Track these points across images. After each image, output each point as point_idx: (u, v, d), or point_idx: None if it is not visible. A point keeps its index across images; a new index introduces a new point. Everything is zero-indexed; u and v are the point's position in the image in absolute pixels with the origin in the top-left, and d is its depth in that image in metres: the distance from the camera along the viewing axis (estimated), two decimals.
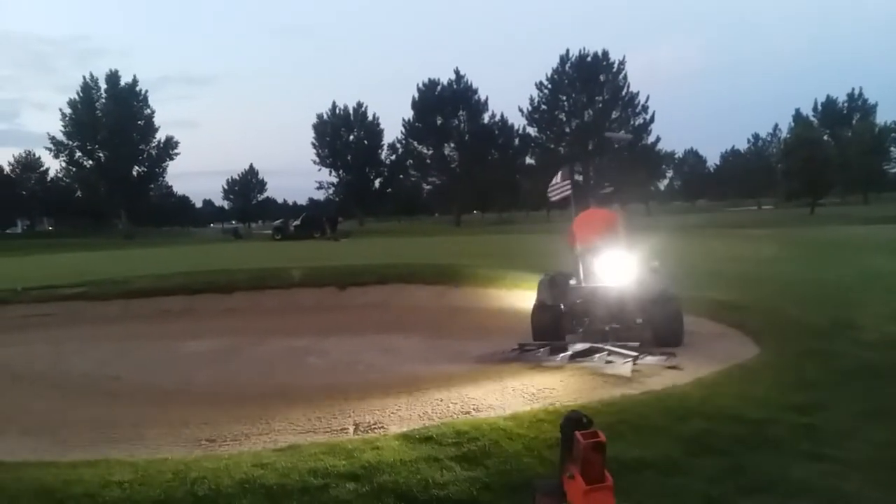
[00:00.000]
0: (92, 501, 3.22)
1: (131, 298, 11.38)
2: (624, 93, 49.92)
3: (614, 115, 50.18)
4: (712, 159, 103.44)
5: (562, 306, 7.32)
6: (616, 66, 50.01)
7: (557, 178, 8.61)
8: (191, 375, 6.79)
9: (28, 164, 78.56)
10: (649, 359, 6.25)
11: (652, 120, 49.78)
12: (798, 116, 76.16)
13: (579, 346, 6.77)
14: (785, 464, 3.37)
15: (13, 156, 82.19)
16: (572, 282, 7.44)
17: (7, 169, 76.75)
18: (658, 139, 51.35)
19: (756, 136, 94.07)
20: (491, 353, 7.17)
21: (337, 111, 69.93)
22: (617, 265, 7.13)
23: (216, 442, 4.41)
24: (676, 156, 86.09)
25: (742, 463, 3.39)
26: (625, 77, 49.96)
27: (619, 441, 3.60)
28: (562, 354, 6.63)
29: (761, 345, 6.39)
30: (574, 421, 2.11)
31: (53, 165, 73.28)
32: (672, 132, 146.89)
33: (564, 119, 51.69)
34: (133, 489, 3.37)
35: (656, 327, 6.88)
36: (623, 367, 6.01)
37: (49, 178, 76.94)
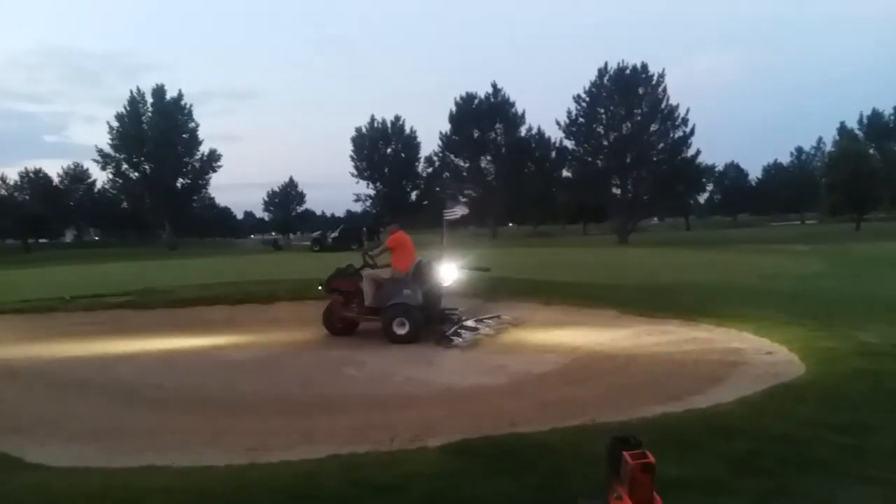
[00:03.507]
0: None
1: (175, 308, 11.60)
2: (663, 105, 49.13)
3: (653, 127, 49.38)
4: (754, 173, 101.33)
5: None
6: (655, 78, 49.29)
7: (453, 205, 10.83)
8: (233, 384, 6.88)
9: (76, 176, 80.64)
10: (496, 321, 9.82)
11: (692, 133, 48.76)
12: (843, 129, 74.22)
13: (470, 323, 9.48)
14: (832, 486, 3.29)
15: (62, 167, 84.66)
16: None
17: (56, 180, 79.02)
18: (698, 152, 50.35)
19: (799, 150, 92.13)
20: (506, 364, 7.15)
21: (375, 124, 70.66)
22: (449, 271, 9.85)
23: (258, 450, 4.47)
24: (717, 169, 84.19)
25: (787, 484, 3.31)
26: (664, 89, 49.18)
27: (660, 459, 3.55)
28: (464, 335, 8.96)
29: (807, 363, 6.22)
30: (622, 440, 2.09)
31: (100, 177, 75.26)
32: (712, 145, 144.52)
33: (602, 132, 51.03)
34: (176, 496, 3.44)
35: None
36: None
37: (96, 190, 78.83)
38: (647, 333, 8.65)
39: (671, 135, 49.53)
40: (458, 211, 10.59)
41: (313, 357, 8.34)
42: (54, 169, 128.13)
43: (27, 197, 75.16)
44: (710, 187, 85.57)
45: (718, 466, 3.54)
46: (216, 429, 5.25)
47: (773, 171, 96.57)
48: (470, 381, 6.78)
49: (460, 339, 8.77)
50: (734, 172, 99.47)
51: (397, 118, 71.06)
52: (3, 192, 73.97)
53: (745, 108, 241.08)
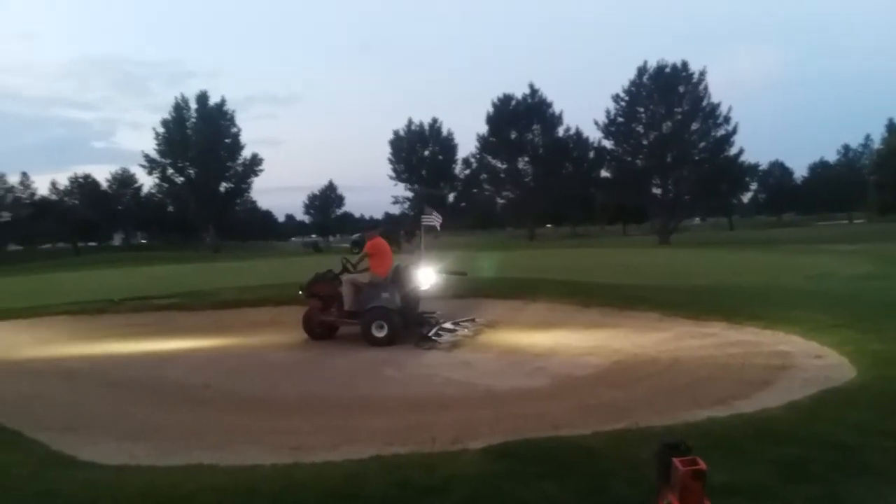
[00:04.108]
0: None
1: (220, 309, 11.83)
2: (704, 103, 48.27)
3: (694, 126, 48.55)
4: (800, 171, 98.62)
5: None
6: (696, 76, 48.47)
7: (430, 212, 10.98)
8: (277, 384, 7.00)
9: (123, 181, 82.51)
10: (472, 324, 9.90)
11: (734, 131, 47.74)
12: (891, 126, 71.78)
13: (448, 325, 9.59)
14: (884, 492, 3.20)
15: (110, 173, 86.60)
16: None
17: (104, 185, 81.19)
18: (741, 151, 49.28)
19: (846, 148, 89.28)
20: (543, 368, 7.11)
21: (412, 127, 70.98)
22: (427, 275, 10.05)
23: (302, 450, 4.54)
24: (761, 168, 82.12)
25: (838, 491, 3.23)
26: (705, 88, 48.27)
27: (707, 465, 3.49)
28: (444, 337, 9.10)
29: (858, 366, 6.05)
30: (672, 447, 2.06)
31: (147, 182, 77.00)
32: (756, 143, 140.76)
33: (642, 131, 50.35)
34: (225, 495, 3.50)
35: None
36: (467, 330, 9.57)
37: (143, 194, 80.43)
38: (691, 336, 8.48)
39: (713, 133, 48.65)
40: (435, 218, 10.79)
41: (353, 358, 8.43)
42: (102, 174, 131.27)
43: (77, 202, 77.67)
44: (753, 186, 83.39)
45: (767, 472, 3.47)
46: (261, 428, 5.35)
47: (819, 169, 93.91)
48: (510, 383, 6.77)
49: (440, 341, 8.92)
50: (779, 171, 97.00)
51: (434, 120, 71.28)
52: (54, 196, 76.52)
53: (790, 106, 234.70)
